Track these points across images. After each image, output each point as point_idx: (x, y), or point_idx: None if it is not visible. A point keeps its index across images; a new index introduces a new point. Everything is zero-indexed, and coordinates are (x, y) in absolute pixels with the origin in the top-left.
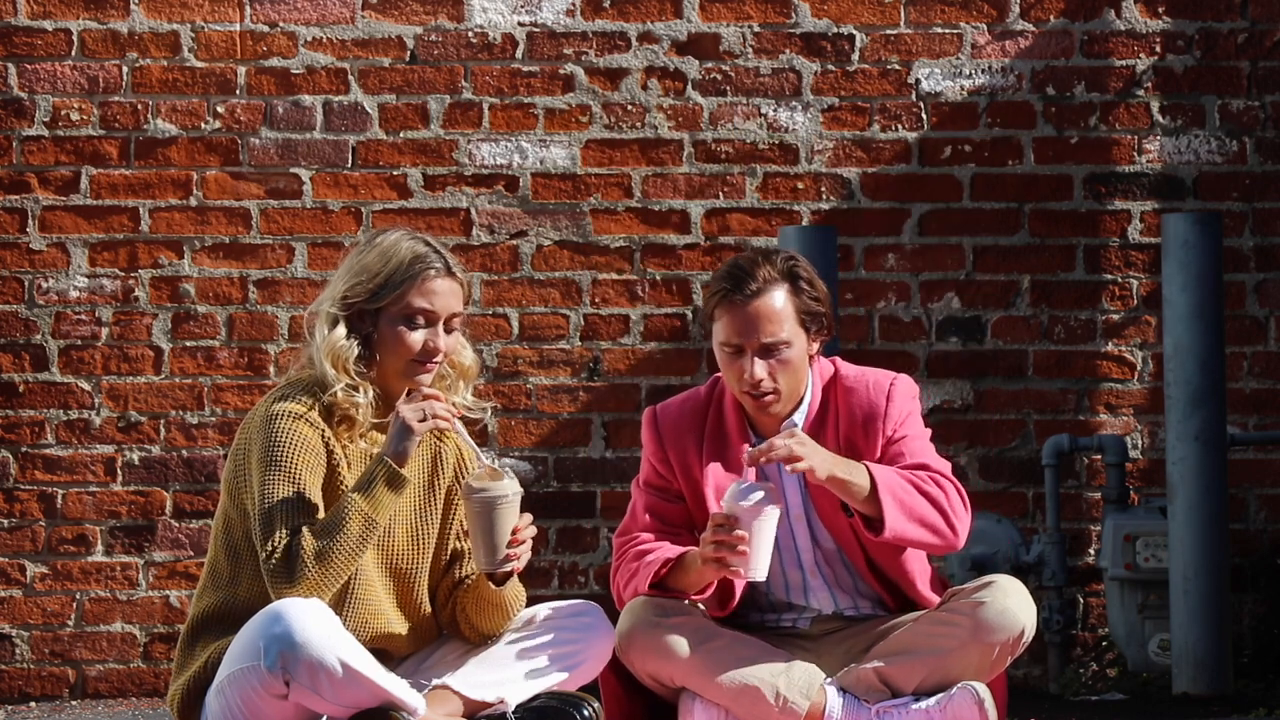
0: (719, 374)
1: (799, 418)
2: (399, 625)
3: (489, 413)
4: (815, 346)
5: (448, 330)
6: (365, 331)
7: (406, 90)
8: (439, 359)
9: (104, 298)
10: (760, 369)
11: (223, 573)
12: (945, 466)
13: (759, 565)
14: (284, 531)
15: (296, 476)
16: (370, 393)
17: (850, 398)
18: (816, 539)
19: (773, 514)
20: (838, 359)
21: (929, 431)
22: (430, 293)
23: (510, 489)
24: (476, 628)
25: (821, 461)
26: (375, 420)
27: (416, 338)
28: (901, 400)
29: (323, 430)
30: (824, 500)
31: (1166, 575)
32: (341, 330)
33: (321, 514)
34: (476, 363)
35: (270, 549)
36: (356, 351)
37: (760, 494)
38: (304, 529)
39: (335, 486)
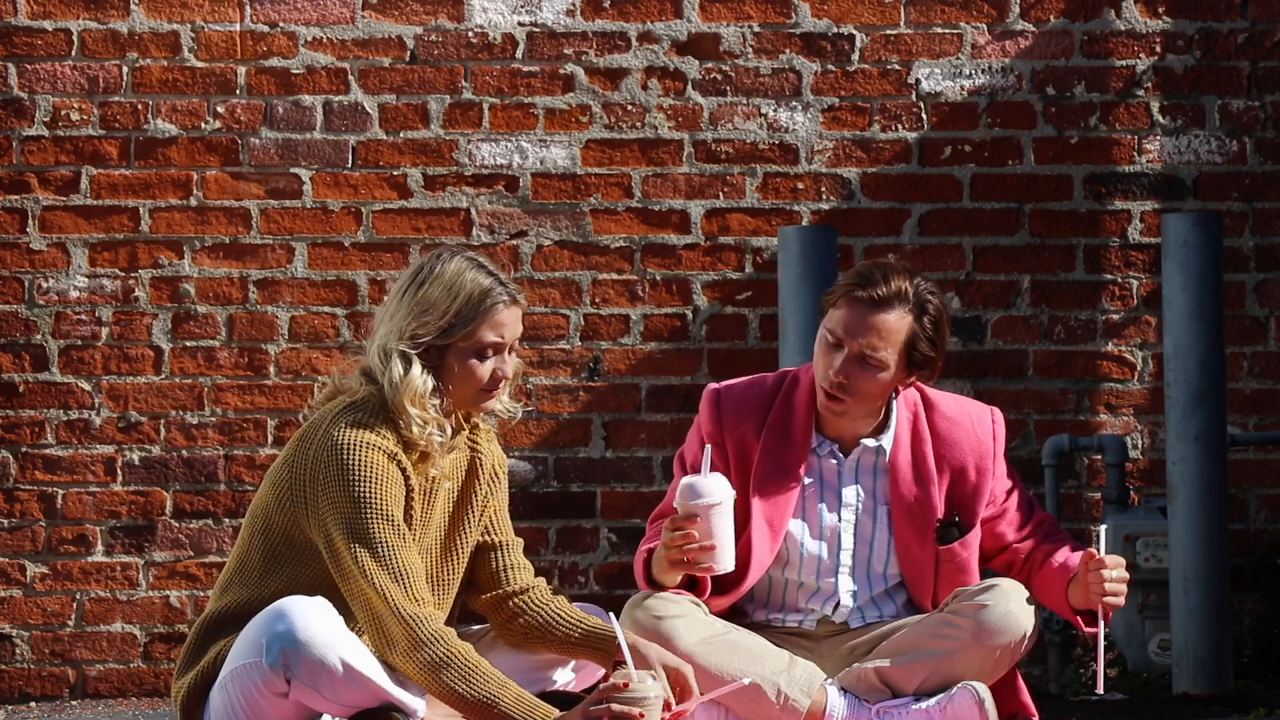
0: (790, 369)
1: (886, 442)
2: None
3: (519, 414)
4: (907, 381)
5: (511, 352)
6: (432, 364)
7: (406, 90)
8: (505, 384)
9: (104, 298)
10: (844, 372)
11: (253, 570)
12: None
13: (723, 557)
14: (414, 593)
15: (391, 515)
16: (449, 429)
17: (953, 429)
18: (870, 556)
19: (729, 503)
20: (919, 382)
21: None
22: (500, 325)
23: (654, 691)
24: (520, 648)
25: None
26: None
27: (486, 369)
28: (1002, 437)
29: (400, 459)
30: (906, 531)
31: (1166, 575)
32: (417, 369)
33: (412, 545)
34: (519, 368)
35: (411, 617)
36: (432, 386)
37: (714, 489)
38: (458, 640)
39: (407, 514)
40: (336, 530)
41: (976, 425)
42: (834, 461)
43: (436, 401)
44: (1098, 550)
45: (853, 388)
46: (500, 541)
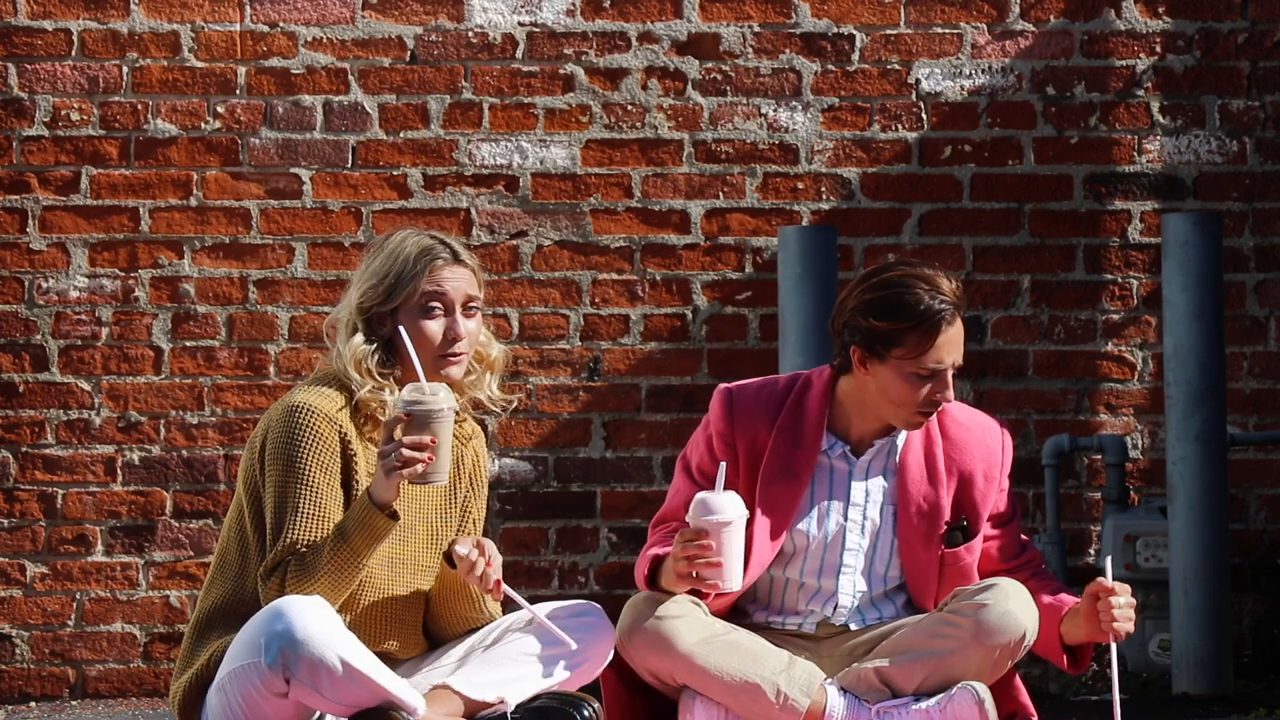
0: (802, 372)
1: (898, 443)
2: (413, 628)
3: (507, 411)
4: None
5: (468, 316)
6: (385, 334)
7: (406, 90)
8: (463, 346)
9: (104, 298)
10: (952, 389)
11: (232, 563)
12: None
13: (731, 576)
14: (283, 546)
15: (310, 478)
16: (395, 392)
17: (963, 434)
18: (874, 557)
19: (741, 522)
20: None
21: None
22: (440, 280)
23: (446, 402)
24: (439, 619)
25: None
26: None
27: (435, 327)
28: (1010, 453)
29: (340, 426)
30: (912, 533)
31: (1166, 575)
32: (360, 337)
33: (334, 512)
34: (504, 355)
35: (269, 559)
36: (377, 356)
37: (727, 507)
38: (290, 559)
39: (351, 481)
40: (269, 482)
41: (987, 434)
42: (845, 463)
43: (384, 370)
44: (1105, 580)
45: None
46: None
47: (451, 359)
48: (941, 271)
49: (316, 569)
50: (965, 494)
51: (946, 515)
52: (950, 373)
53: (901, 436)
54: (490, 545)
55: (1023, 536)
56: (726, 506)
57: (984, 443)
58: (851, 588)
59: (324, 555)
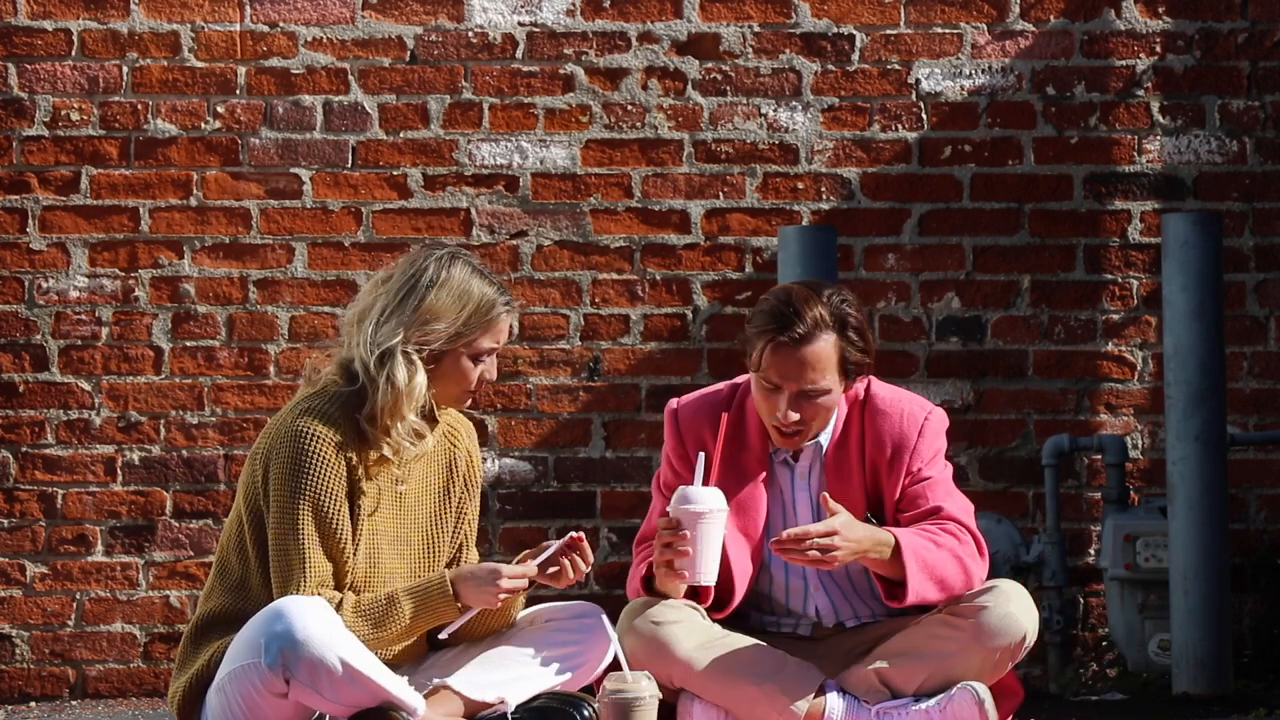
0: (742, 378)
1: (824, 439)
2: None
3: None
4: (849, 388)
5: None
6: (428, 366)
7: (406, 90)
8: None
9: (104, 298)
10: (794, 412)
11: (232, 573)
12: (966, 510)
13: (705, 569)
14: (312, 580)
15: (321, 505)
16: (430, 439)
17: (881, 422)
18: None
19: (718, 518)
20: (872, 377)
21: (950, 469)
22: (500, 333)
23: (649, 690)
24: (468, 631)
25: (851, 551)
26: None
27: (478, 372)
28: (931, 437)
29: (347, 452)
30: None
31: (1166, 575)
32: (422, 378)
33: (345, 532)
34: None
35: (303, 587)
36: (428, 393)
37: (704, 499)
38: (344, 601)
39: (354, 508)
40: (274, 509)
41: (904, 420)
42: (787, 469)
43: (423, 404)
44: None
45: (805, 420)
46: (462, 560)
47: (474, 395)
48: (836, 296)
49: (368, 625)
50: (874, 482)
51: (861, 509)
52: (787, 396)
53: (825, 437)
54: (555, 544)
55: (941, 503)
56: (701, 498)
57: (898, 427)
58: (823, 588)
59: (377, 616)
